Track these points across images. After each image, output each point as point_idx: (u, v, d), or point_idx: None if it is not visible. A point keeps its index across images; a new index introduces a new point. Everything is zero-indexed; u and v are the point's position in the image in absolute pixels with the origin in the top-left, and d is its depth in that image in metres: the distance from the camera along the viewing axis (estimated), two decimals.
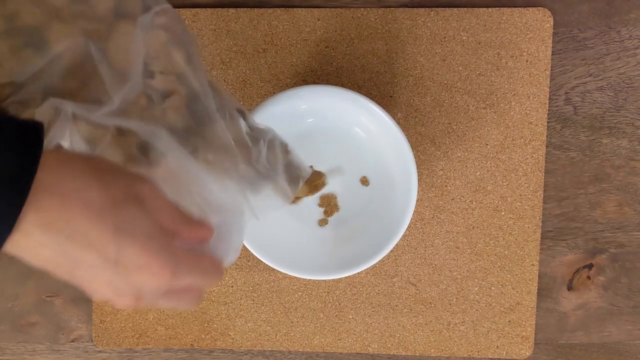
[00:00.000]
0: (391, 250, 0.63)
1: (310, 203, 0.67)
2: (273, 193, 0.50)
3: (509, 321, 0.70)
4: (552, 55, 0.67)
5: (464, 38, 0.67)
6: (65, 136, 0.41)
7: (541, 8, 0.67)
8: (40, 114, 0.41)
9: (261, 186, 0.49)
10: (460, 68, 0.68)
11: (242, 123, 0.49)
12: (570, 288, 0.70)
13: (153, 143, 0.42)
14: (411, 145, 0.62)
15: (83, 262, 0.35)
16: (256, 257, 0.64)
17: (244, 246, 0.68)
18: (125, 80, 0.43)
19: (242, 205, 0.47)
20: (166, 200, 0.40)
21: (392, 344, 0.71)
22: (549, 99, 0.68)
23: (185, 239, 0.40)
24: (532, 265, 0.69)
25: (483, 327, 0.70)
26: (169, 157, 0.43)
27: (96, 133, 0.42)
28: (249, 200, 0.47)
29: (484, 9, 0.67)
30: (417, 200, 0.68)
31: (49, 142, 0.41)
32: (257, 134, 0.50)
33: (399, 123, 0.67)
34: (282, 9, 0.68)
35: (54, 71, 0.42)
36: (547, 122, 0.68)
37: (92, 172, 0.36)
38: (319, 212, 0.68)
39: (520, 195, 0.68)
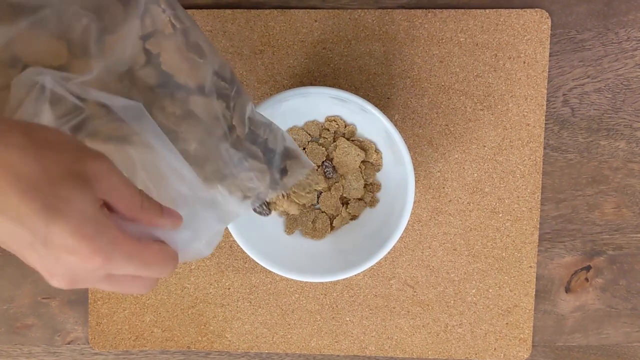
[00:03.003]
0: (388, 252, 0.63)
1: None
2: (258, 180, 0.49)
3: (507, 323, 0.70)
4: (549, 56, 0.67)
5: (461, 39, 0.67)
6: (41, 111, 0.40)
7: (539, 9, 0.67)
8: (17, 84, 0.40)
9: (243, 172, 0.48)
10: (458, 69, 0.68)
11: (249, 106, 0.48)
12: (568, 290, 0.70)
13: (133, 125, 0.41)
14: (408, 147, 0.62)
15: (14, 236, 0.35)
16: (253, 260, 0.64)
17: (240, 248, 0.68)
18: (111, 50, 0.42)
19: (215, 198, 0.45)
20: (124, 182, 0.38)
21: (389, 346, 0.70)
22: (547, 100, 0.68)
23: (144, 224, 0.39)
24: (530, 267, 0.69)
25: (481, 329, 0.70)
26: (148, 139, 0.41)
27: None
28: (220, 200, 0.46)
29: (481, 10, 0.67)
30: (415, 202, 0.68)
31: (21, 117, 0.39)
32: (259, 123, 0.49)
33: (396, 125, 0.67)
34: (279, 10, 0.68)
35: (42, 37, 0.42)
36: (545, 123, 0.68)
37: (31, 145, 0.35)
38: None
39: (518, 197, 0.68)
